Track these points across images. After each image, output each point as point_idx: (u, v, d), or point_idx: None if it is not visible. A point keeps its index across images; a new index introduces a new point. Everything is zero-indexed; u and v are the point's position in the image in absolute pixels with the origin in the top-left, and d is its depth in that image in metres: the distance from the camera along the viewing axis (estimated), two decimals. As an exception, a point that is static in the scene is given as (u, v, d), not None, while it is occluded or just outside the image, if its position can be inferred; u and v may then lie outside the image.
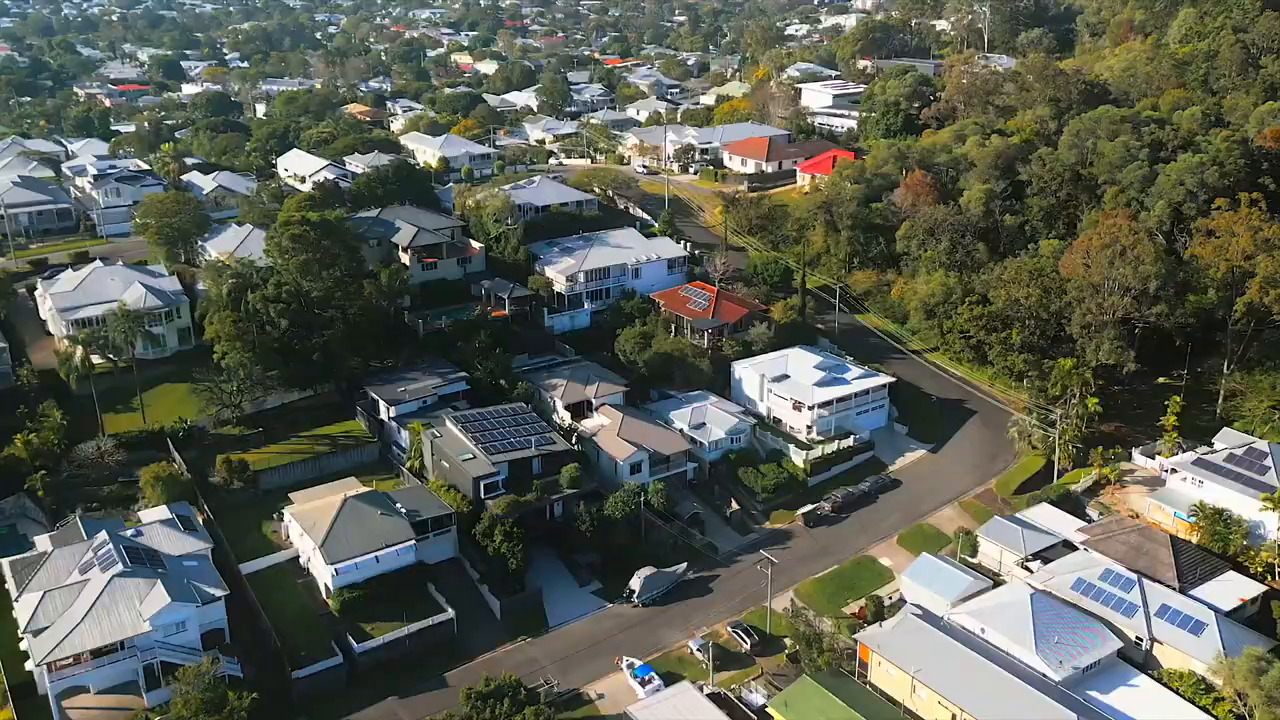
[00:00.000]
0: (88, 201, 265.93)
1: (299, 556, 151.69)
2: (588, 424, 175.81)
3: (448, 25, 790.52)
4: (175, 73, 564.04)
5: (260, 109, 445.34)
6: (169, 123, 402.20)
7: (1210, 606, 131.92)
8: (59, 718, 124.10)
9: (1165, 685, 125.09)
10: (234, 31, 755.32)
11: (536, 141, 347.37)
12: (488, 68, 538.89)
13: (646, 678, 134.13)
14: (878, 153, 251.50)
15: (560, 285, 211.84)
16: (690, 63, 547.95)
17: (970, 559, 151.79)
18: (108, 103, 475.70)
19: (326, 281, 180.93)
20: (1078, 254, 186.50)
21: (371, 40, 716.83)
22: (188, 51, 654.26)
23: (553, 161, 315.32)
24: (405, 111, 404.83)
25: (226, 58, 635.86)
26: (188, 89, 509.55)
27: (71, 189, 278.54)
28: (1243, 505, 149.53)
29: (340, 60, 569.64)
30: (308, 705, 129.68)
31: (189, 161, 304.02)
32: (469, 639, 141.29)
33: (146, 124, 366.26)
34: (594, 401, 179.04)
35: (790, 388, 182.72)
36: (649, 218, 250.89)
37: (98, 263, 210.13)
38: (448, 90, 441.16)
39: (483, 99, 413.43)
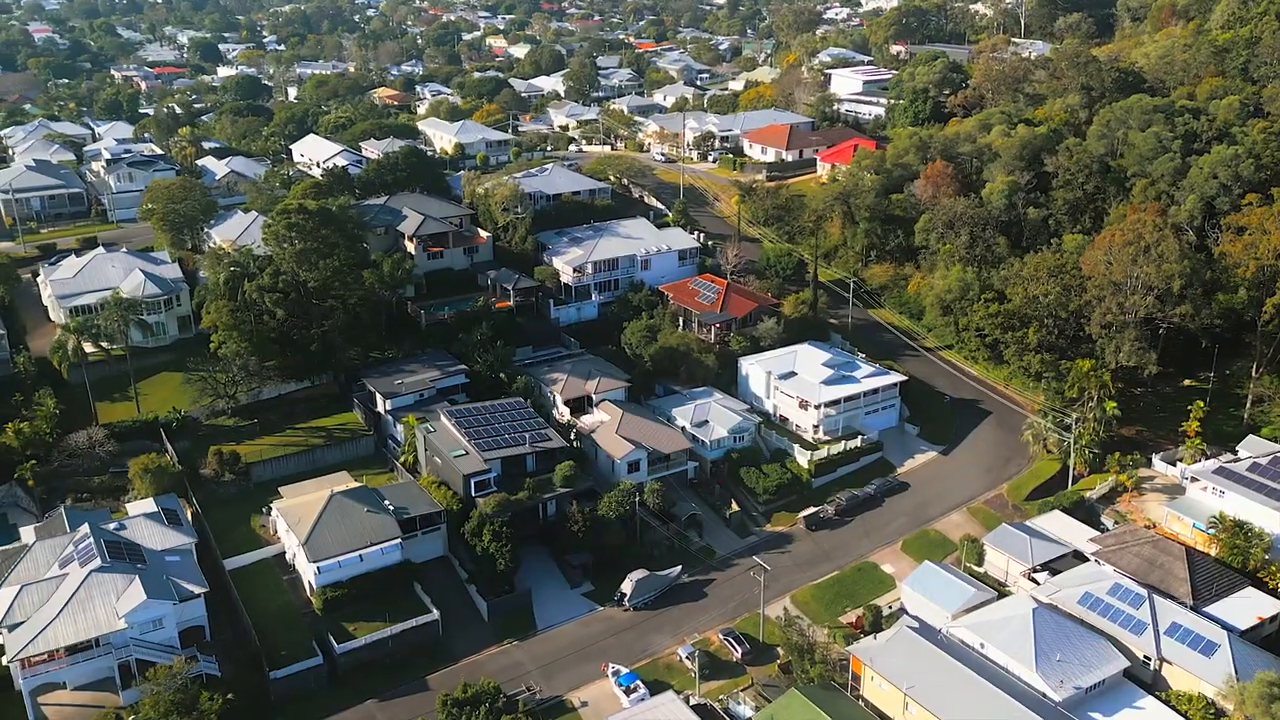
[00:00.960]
0: (101, 186, 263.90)
1: (285, 552, 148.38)
2: (587, 420, 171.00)
3: (485, 8, 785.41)
4: (212, 55, 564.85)
5: (292, 92, 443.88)
6: (198, 105, 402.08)
7: (1225, 625, 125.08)
8: (33, 714, 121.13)
9: (1172, 708, 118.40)
10: (274, 14, 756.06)
11: (560, 127, 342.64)
12: (520, 51, 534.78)
13: (631, 686, 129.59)
14: (899, 142, 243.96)
15: (567, 276, 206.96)
16: (723, 47, 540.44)
17: (976, 568, 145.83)
18: (143, 85, 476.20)
19: (324, 271, 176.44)
20: (1099, 250, 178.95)
21: (409, 23, 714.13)
22: (226, 34, 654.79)
23: (572, 148, 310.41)
24: (434, 96, 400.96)
25: (265, 41, 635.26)
26: (224, 71, 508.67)
27: (88, 173, 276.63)
28: (1266, 517, 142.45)
29: (374, 44, 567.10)
30: (286, 706, 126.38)
31: (207, 146, 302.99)
32: (455, 641, 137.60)
33: (165, 108, 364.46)
34: (594, 397, 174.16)
35: (797, 385, 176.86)
36: (663, 207, 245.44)
37: (100, 249, 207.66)
38: (476, 75, 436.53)
39: (508, 84, 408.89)
